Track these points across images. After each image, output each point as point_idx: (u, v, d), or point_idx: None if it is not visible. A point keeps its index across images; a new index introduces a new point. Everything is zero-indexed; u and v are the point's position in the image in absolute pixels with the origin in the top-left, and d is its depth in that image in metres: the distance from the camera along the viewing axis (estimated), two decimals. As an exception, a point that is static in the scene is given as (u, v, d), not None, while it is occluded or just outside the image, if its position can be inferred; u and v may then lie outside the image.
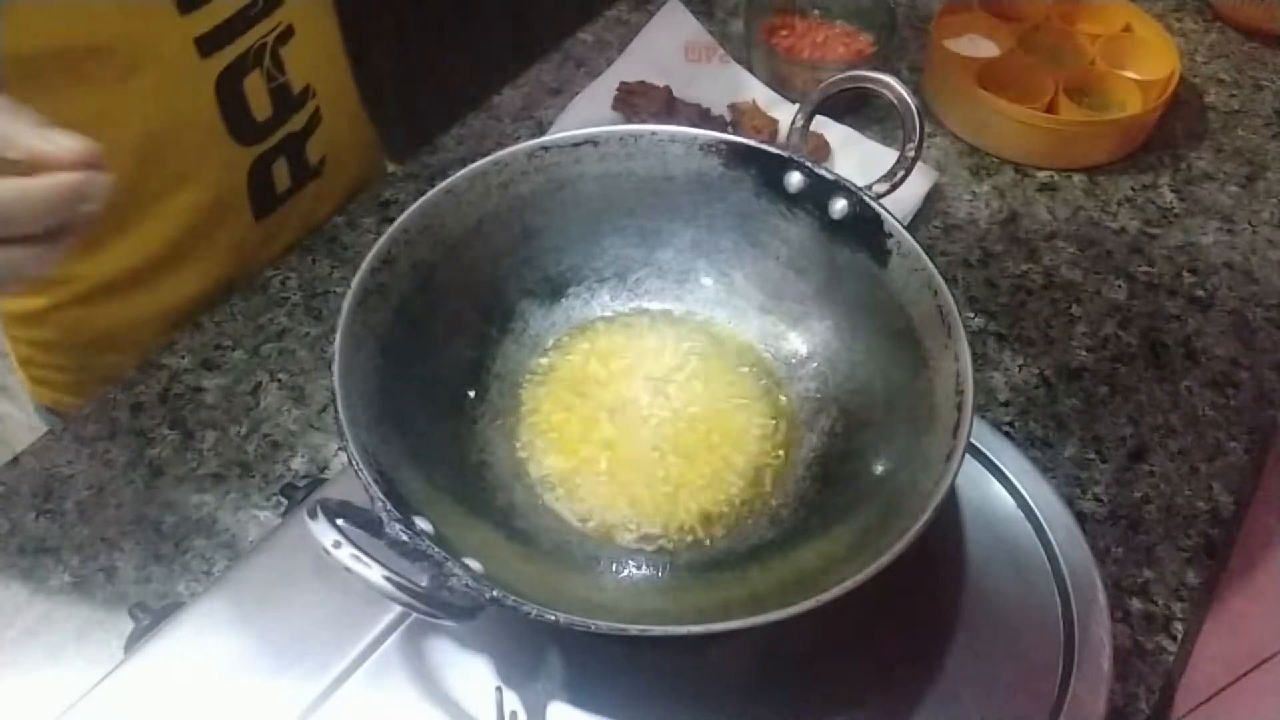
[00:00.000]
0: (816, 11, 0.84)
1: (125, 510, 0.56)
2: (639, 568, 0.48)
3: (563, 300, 0.55)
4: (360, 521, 0.38)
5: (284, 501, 0.56)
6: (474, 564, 0.38)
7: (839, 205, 0.50)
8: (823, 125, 0.76)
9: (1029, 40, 0.83)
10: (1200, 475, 0.60)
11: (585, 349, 0.55)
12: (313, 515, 0.36)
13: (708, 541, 0.49)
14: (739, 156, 0.52)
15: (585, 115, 0.77)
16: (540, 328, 0.55)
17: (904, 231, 0.48)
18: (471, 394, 0.52)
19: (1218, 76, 0.87)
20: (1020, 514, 0.52)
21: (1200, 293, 0.70)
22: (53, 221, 0.33)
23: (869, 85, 0.51)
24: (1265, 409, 0.64)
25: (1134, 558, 0.57)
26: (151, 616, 0.51)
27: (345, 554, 0.35)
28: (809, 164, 0.50)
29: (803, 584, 0.38)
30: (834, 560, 0.41)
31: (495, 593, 0.37)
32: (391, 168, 0.84)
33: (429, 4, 1.45)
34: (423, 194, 0.48)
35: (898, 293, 0.48)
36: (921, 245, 0.47)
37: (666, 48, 0.83)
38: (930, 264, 0.46)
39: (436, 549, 0.38)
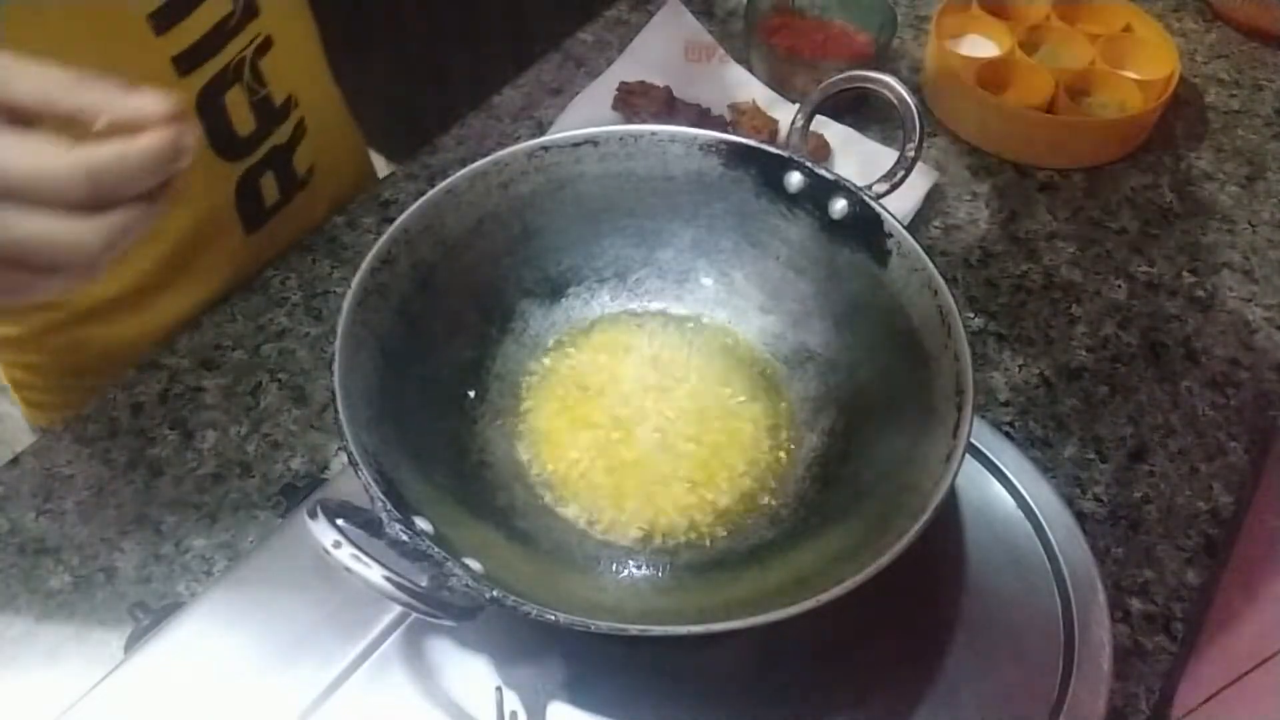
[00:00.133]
0: (816, 11, 0.84)
1: (125, 510, 0.56)
2: (639, 568, 0.48)
3: (563, 300, 0.55)
4: (360, 521, 0.38)
5: (284, 501, 0.56)
6: (474, 564, 0.38)
7: (839, 205, 0.50)
8: (823, 125, 0.76)
9: (1029, 40, 0.83)
10: (1200, 475, 0.60)
11: (585, 349, 0.55)
12: (313, 515, 0.36)
13: (708, 541, 0.49)
14: (739, 156, 0.52)
15: (585, 115, 0.77)
16: (540, 328, 0.55)
17: (904, 231, 0.48)
18: (471, 394, 0.52)
19: (1218, 76, 0.87)
20: (1020, 514, 0.52)
21: (1200, 293, 0.70)
22: (155, 179, 0.34)
23: (869, 85, 0.51)
24: (1265, 409, 0.64)
25: (1134, 558, 0.57)
26: (151, 616, 0.51)
27: (345, 554, 0.35)
28: (809, 164, 0.50)
29: (803, 584, 0.38)
30: (834, 560, 0.41)
31: (495, 593, 0.37)
32: (391, 168, 0.84)
33: (429, 4, 1.45)
34: (423, 194, 0.48)
35: (898, 293, 0.48)
36: (921, 245, 0.47)
37: (666, 48, 0.83)
38: (930, 264, 0.46)
39: (436, 549, 0.38)
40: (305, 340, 0.64)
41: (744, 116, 0.77)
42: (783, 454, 0.52)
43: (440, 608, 0.37)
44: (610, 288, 0.56)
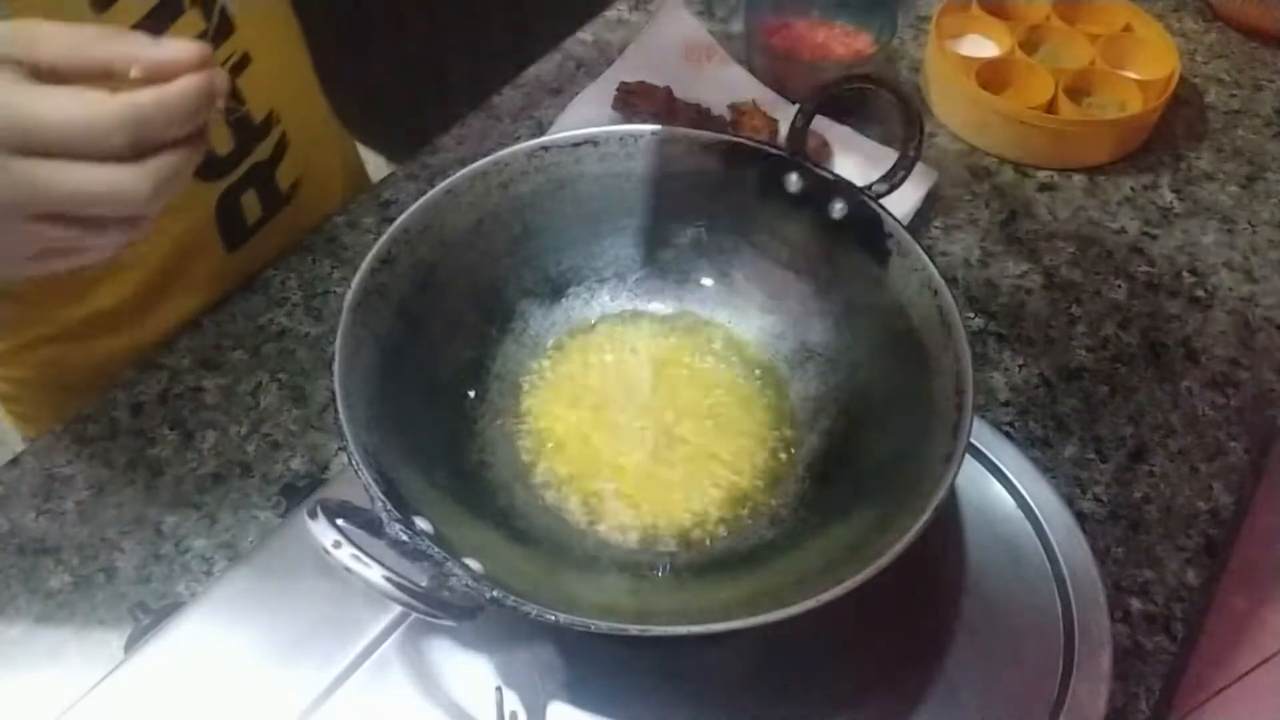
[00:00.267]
0: (816, 11, 0.84)
1: (125, 510, 0.56)
2: (639, 568, 0.48)
3: (563, 300, 0.55)
4: (360, 521, 0.38)
5: (284, 501, 0.56)
6: (474, 564, 0.38)
7: (839, 205, 0.50)
8: (823, 125, 0.76)
9: (1029, 40, 0.83)
10: (1200, 475, 0.60)
11: (585, 349, 0.55)
12: (313, 515, 0.36)
13: (708, 541, 0.49)
14: (739, 156, 0.52)
15: (585, 115, 0.77)
16: (540, 328, 0.55)
17: (904, 231, 0.48)
18: (471, 394, 0.52)
19: (1218, 76, 0.87)
20: (1020, 514, 0.52)
21: (1200, 293, 0.70)
22: (194, 123, 0.34)
23: (869, 85, 0.51)
24: (1265, 409, 0.64)
25: (1134, 558, 0.57)
26: (151, 616, 0.51)
27: (345, 554, 0.35)
28: (809, 164, 0.50)
29: (803, 584, 0.38)
30: (834, 560, 0.41)
31: (495, 593, 0.37)
32: (391, 168, 0.84)
33: (429, 4, 1.45)
34: (423, 194, 0.48)
35: (898, 293, 0.48)
36: (921, 245, 0.47)
37: (666, 48, 0.83)
38: (930, 264, 0.46)
39: (436, 549, 0.38)
40: (305, 340, 0.64)
41: (744, 116, 0.77)
42: (783, 454, 0.52)
43: (440, 608, 0.37)
44: (610, 288, 0.56)
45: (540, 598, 0.37)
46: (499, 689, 0.45)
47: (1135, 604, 0.55)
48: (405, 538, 0.38)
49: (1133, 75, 0.81)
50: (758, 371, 0.54)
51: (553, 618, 0.36)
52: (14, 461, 0.58)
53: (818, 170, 0.50)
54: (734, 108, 0.78)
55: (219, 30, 0.59)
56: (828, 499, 0.48)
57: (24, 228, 0.34)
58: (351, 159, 0.83)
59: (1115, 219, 0.75)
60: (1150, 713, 0.51)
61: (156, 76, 0.33)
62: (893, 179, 0.49)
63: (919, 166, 0.58)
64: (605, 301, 0.56)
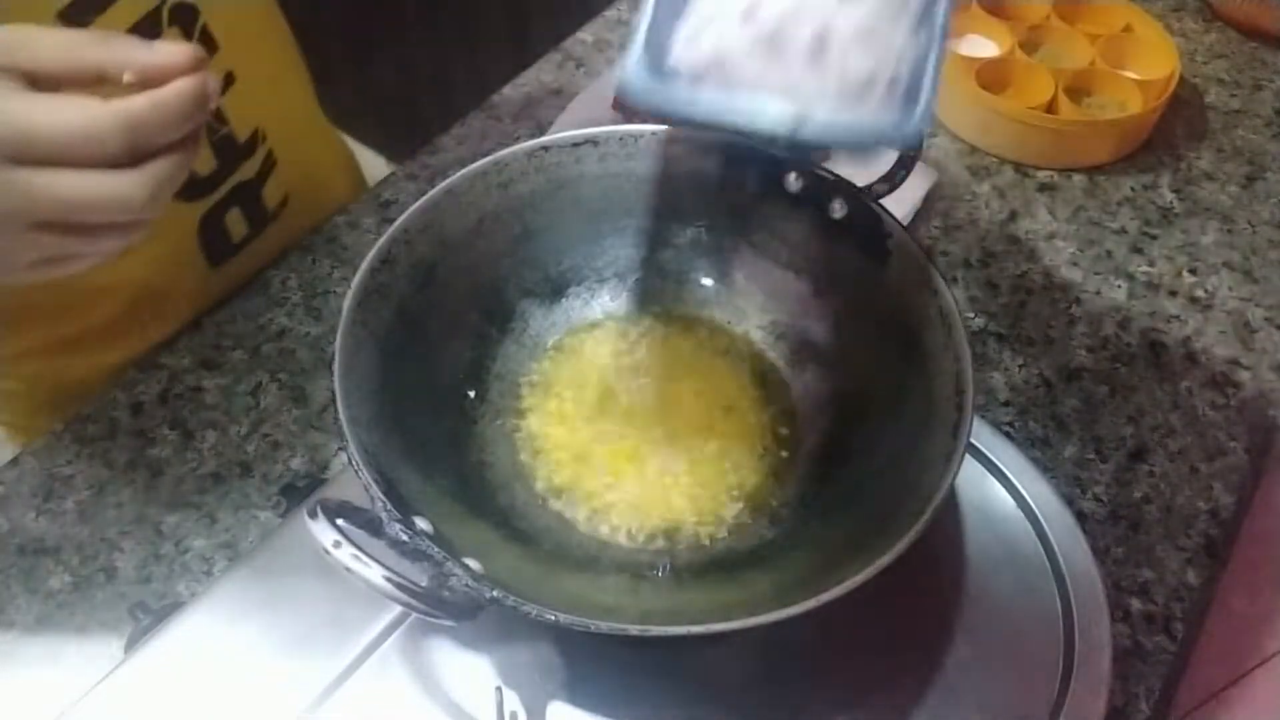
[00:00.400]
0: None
1: (125, 510, 0.56)
2: (639, 568, 0.48)
3: (563, 300, 0.55)
4: (360, 521, 0.38)
5: (284, 501, 0.56)
6: (474, 564, 0.38)
7: (839, 205, 0.50)
8: (823, 125, 0.76)
9: (1029, 40, 0.83)
10: (1200, 475, 0.60)
11: (585, 349, 0.55)
12: (313, 515, 0.36)
13: (708, 541, 0.49)
14: (739, 157, 0.52)
15: (585, 115, 0.77)
16: (540, 328, 0.55)
17: (904, 231, 0.48)
18: (471, 394, 0.52)
19: (1218, 76, 0.87)
20: (1020, 514, 0.52)
21: (1200, 293, 0.70)
22: (188, 126, 0.34)
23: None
24: (1265, 409, 0.64)
25: (1134, 558, 0.57)
26: (151, 616, 0.51)
27: (345, 554, 0.35)
28: (808, 164, 0.50)
29: (803, 584, 0.38)
30: (834, 560, 0.41)
31: (495, 593, 0.37)
32: (391, 168, 0.84)
33: (429, 4, 1.45)
34: (423, 194, 0.48)
35: (898, 293, 0.48)
36: (921, 245, 0.47)
37: (667, 48, 0.83)
38: (930, 264, 0.46)
39: (436, 549, 0.38)
40: (305, 340, 0.64)
41: (744, 116, 0.77)
42: (783, 454, 0.52)
43: (440, 608, 0.37)
44: (610, 288, 0.56)
45: (540, 598, 0.37)
46: (499, 689, 0.45)
47: (1135, 604, 0.55)
48: (405, 538, 0.38)
49: (1133, 75, 0.81)
50: (757, 371, 0.54)
51: (553, 618, 0.36)
52: (14, 461, 0.58)
53: (818, 170, 0.50)
54: (734, 108, 0.78)
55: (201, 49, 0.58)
56: (828, 499, 0.48)
57: (22, 236, 0.34)
58: (349, 169, 0.81)
59: (1115, 219, 0.75)
60: (1150, 713, 0.51)
61: (150, 81, 0.33)
62: (893, 179, 0.49)
63: (919, 166, 0.58)
64: (605, 301, 0.56)
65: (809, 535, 0.47)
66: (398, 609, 0.46)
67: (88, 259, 0.36)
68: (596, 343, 0.55)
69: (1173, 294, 0.70)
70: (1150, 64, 0.82)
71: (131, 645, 0.49)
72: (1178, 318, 0.69)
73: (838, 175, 0.50)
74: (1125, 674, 0.52)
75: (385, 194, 0.74)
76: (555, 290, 0.55)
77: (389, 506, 0.38)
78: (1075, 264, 0.72)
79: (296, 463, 0.58)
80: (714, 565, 0.48)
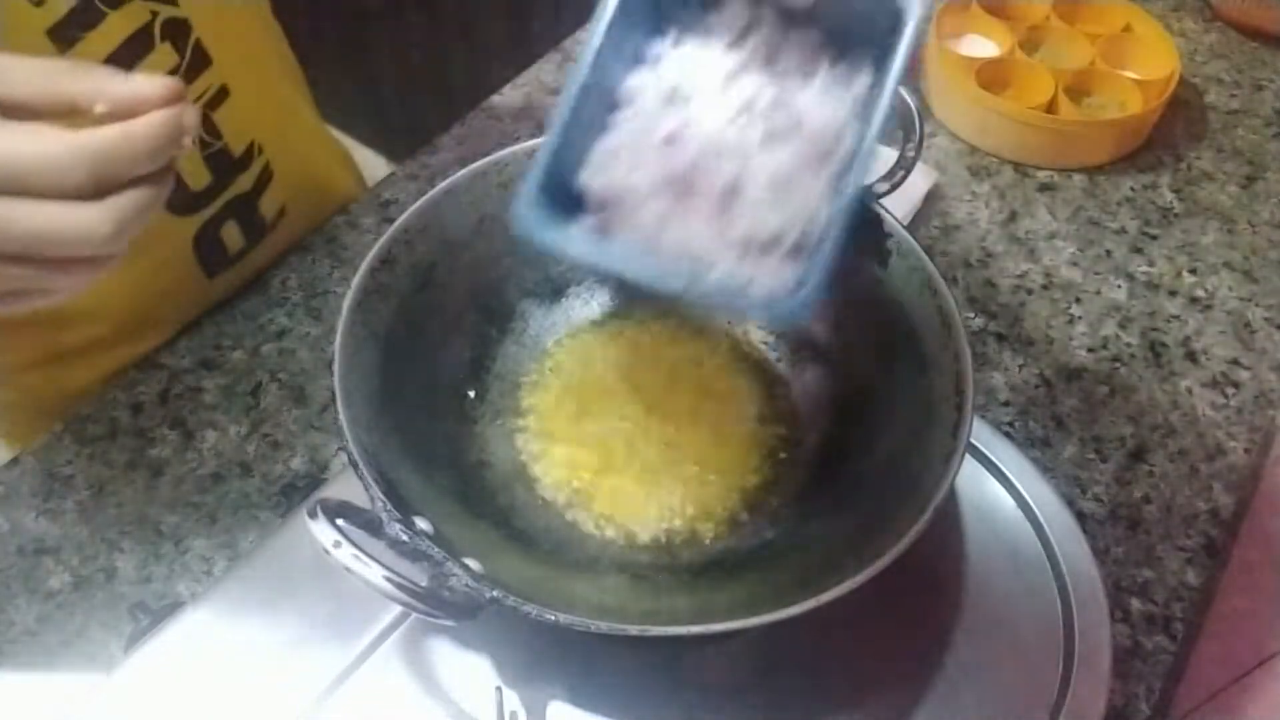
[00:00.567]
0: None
1: (125, 510, 0.56)
2: (639, 568, 0.48)
3: (563, 300, 0.55)
4: (360, 521, 0.38)
5: (284, 501, 0.56)
6: (474, 564, 0.38)
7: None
8: (823, 125, 0.76)
9: (1029, 40, 0.83)
10: (1200, 475, 0.60)
11: (585, 349, 0.55)
12: (313, 515, 0.36)
13: (707, 541, 0.49)
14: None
15: (585, 115, 0.77)
16: (540, 328, 0.55)
17: (904, 231, 0.48)
18: (471, 394, 0.52)
19: (1218, 76, 0.87)
20: (1020, 514, 0.52)
21: (1200, 293, 0.70)
22: (159, 159, 0.33)
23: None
24: (1265, 409, 0.64)
25: (1134, 558, 0.57)
26: (151, 616, 0.51)
27: (345, 554, 0.35)
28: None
29: (803, 584, 0.38)
30: (834, 560, 0.41)
31: (495, 593, 0.37)
32: (391, 168, 0.84)
33: (429, 4, 1.45)
34: (423, 194, 0.48)
35: (898, 293, 0.48)
36: (921, 245, 0.47)
37: (666, 48, 0.83)
38: (930, 264, 0.46)
39: (436, 549, 0.38)
40: (305, 340, 0.64)
41: (744, 116, 0.77)
42: (783, 454, 0.52)
43: (440, 608, 0.37)
44: (611, 288, 0.56)
45: (540, 598, 0.37)
46: (499, 689, 0.45)
47: (1135, 604, 0.55)
48: (405, 538, 0.38)
49: (1133, 75, 0.81)
50: (757, 372, 0.54)
51: (553, 618, 0.36)
52: (14, 461, 0.58)
53: (818, 170, 0.50)
54: (734, 108, 0.78)
55: (194, 64, 0.57)
56: (828, 499, 0.48)
57: None
58: (349, 170, 0.81)
59: (1115, 219, 0.75)
60: (1150, 713, 0.51)
61: (123, 113, 0.32)
62: (893, 179, 0.49)
63: (919, 166, 0.58)
64: (605, 301, 0.56)
65: (809, 535, 0.47)
66: (398, 609, 0.46)
67: (53, 294, 0.35)
68: (596, 343, 0.55)
69: (1173, 294, 0.70)
70: (1150, 64, 0.82)
71: (131, 645, 0.49)
72: (1178, 318, 0.69)
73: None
74: (1125, 674, 0.52)
75: (385, 194, 0.74)
76: (555, 290, 0.55)
77: (389, 506, 0.38)
78: (1075, 264, 0.72)
79: (296, 463, 0.58)
80: (714, 565, 0.48)
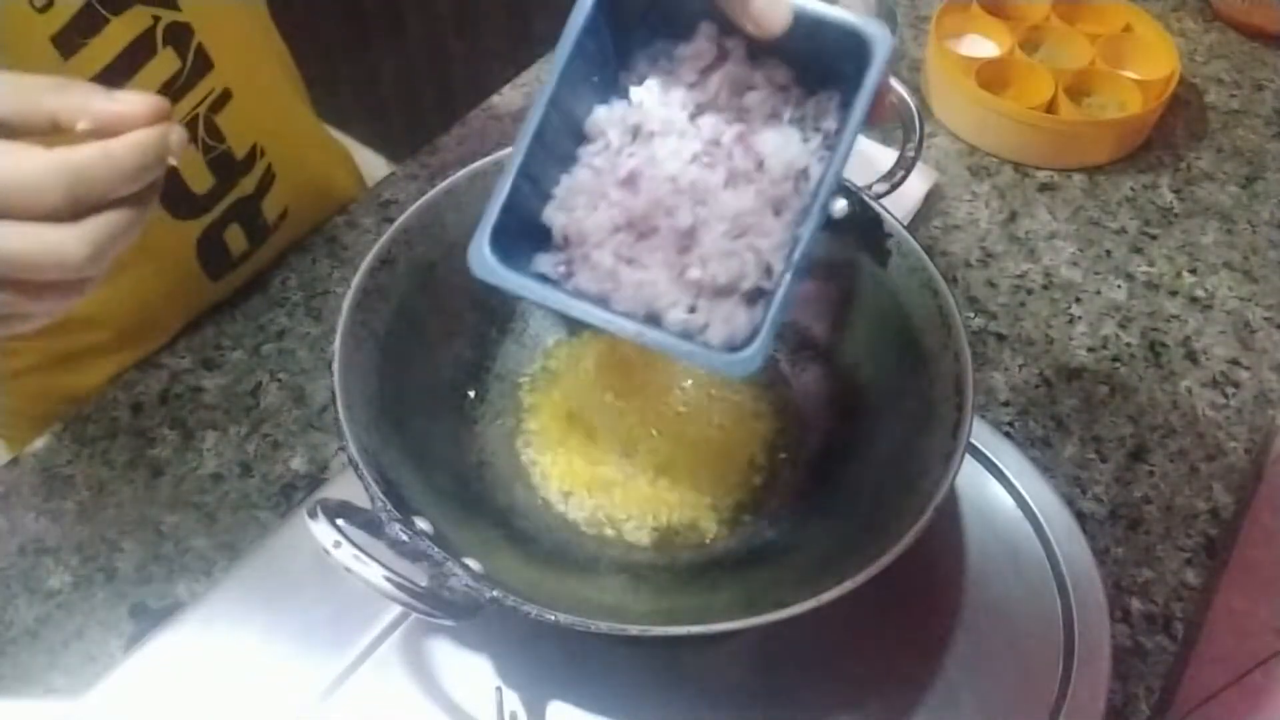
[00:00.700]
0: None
1: (125, 510, 0.56)
2: (639, 568, 0.48)
3: (563, 300, 0.55)
4: (360, 521, 0.38)
5: (284, 501, 0.56)
6: (474, 564, 0.38)
7: (839, 205, 0.49)
8: (823, 125, 0.76)
9: (1029, 40, 0.83)
10: (1200, 475, 0.60)
11: (586, 349, 0.55)
12: (313, 515, 0.36)
13: (707, 541, 0.49)
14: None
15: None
16: (540, 328, 0.55)
17: (904, 231, 0.48)
18: (471, 394, 0.52)
19: (1218, 76, 0.87)
20: (1020, 514, 0.52)
21: (1200, 293, 0.70)
22: (141, 180, 0.31)
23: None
24: (1265, 409, 0.64)
25: (1134, 558, 0.56)
26: (151, 616, 0.51)
27: (345, 554, 0.35)
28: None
29: (803, 584, 0.38)
30: (834, 560, 0.41)
31: (495, 593, 0.37)
32: (391, 168, 0.84)
33: (429, 4, 1.45)
34: (423, 194, 0.48)
35: (898, 293, 0.48)
36: (921, 245, 0.47)
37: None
38: (930, 264, 0.46)
39: (436, 549, 0.38)
40: (305, 340, 0.64)
41: (744, 116, 0.77)
42: (783, 454, 0.52)
43: (440, 608, 0.37)
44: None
45: (540, 598, 0.37)
46: (499, 689, 0.45)
47: (1135, 604, 0.55)
48: (405, 538, 0.38)
49: (1133, 75, 0.81)
50: (758, 371, 0.54)
51: (553, 618, 0.36)
52: (14, 461, 0.58)
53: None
54: (734, 108, 0.78)
55: (195, 68, 0.56)
56: (828, 499, 0.48)
57: None
58: (349, 171, 0.81)
59: (1115, 219, 0.75)
60: (1150, 713, 0.51)
61: (106, 130, 0.31)
62: (893, 179, 0.49)
63: (919, 166, 0.58)
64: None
65: (809, 535, 0.47)
66: (398, 609, 0.46)
67: (28, 320, 0.33)
68: (597, 342, 0.55)
69: (1173, 294, 0.70)
70: (1150, 64, 0.82)
71: (131, 645, 0.49)
72: (1178, 318, 0.69)
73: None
74: (1125, 674, 0.52)
75: (385, 194, 0.74)
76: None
77: (389, 506, 0.38)
78: (1075, 264, 0.72)
79: (296, 463, 0.58)
80: (714, 565, 0.48)
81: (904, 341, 0.47)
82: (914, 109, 0.48)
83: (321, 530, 0.36)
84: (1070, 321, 0.68)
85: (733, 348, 0.36)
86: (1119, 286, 0.70)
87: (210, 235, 0.63)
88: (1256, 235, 0.74)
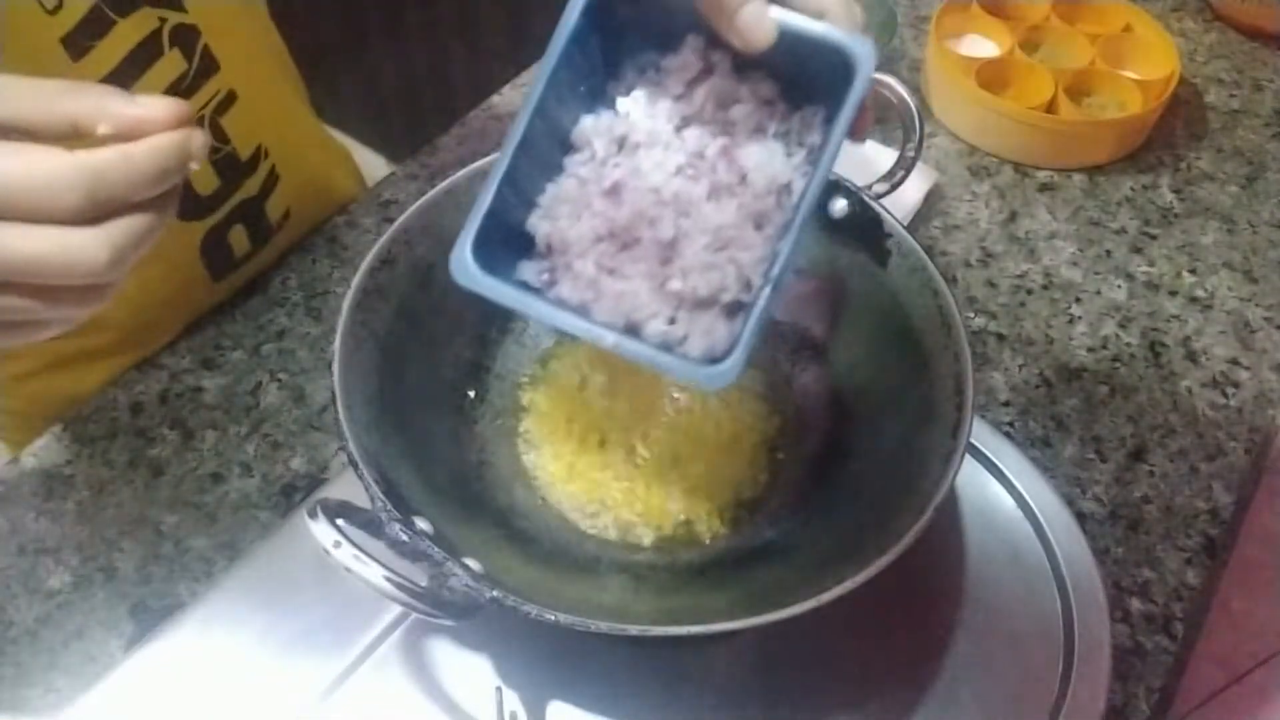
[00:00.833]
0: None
1: (125, 510, 0.56)
2: (639, 568, 0.48)
3: (563, 300, 0.55)
4: (360, 521, 0.38)
5: (284, 501, 0.56)
6: (474, 564, 0.38)
7: (839, 205, 0.50)
8: (823, 125, 0.76)
9: (1029, 40, 0.84)
10: (1200, 475, 0.60)
11: (586, 349, 0.55)
12: (313, 515, 0.36)
13: (707, 541, 0.49)
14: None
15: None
16: (540, 328, 0.55)
17: (904, 231, 0.48)
18: (471, 394, 0.52)
19: (1218, 76, 0.87)
20: (1020, 514, 0.52)
21: (1200, 293, 0.70)
22: (161, 184, 0.31)
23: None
24: (1265, 409, 0.64)
25: (1134, 558, 0.57)
26: (151, 616, 0.51)
27: (345, 554, 0.35)
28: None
29: (803, 584, 0.38)
30: (834, 560, 0.41)
31: (495, 593, 0.37)
32: (391, 168, 0.84)
33: (429, 4, 1.45)
34: (423, 194, 0.48)
35: (898, 293, 0.48)
36: (921, 245, 0.47)
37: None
38: (930, 264, 0.46)
39: (436, 549, 0.38)
40: (305, 340, 0.64)
41: (744, 116, 0.77)
42: (783, 454, 0.52)
43: (440, 607, 0.37)
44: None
45: (540, 598, 0.37)
46: (499, 689, 0.45)
47: (1135, 604, 0.55)
48: (405, 538, 0.38)
49: (1133, 75, 0.81)
50: (758, 372, 0.54)
51: (553, 618, 0.36)
52: (14, 461, 0.58)
53: (818, 170, 0.50)
54: (734, 108, 0.78)
55: (202, 70, 0.57)
56: (828, 499, 0.48)
57: None
58: (349, 171, 0.81)
59: (1115, 219, 0.75)
60: (1150, 713, 0.51)
61: (127, 134, 0.30)
62: (893, 179, 0.49)
63: (919, 166, 0.58)
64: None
65: (809, 535, 0.47)
66: (398, 609, 0.46)
67: (46, 327, 0.32)
68: (596, 343, 0.55)
69: (1173, 294, 0.70)
70: (1150, 64, 0.82)
71: (131, 645, 0.49)
72: (1178, 318, 0.69)
73: (838, 175, 0.50)
74: (1125, 674, 0.52)
75: (385, 194, 0.74)
76: (555, 290, 0.55)
77: (389, 506, 0.38)
78: (1075, 264, 0.72)
79: (296, 463, 0.58)
80: (714, 565, 0.48)
81: (904, 341, 0.47)
82: (914, 109, 0.48)
83: (321, 530, 0.36)
84: (1070, 321, 0.68)
85: (712, 359, 0.36)
86: (1119, 286, 0.70)
87: (215, 236, 0.64)
88: (1256, 235, 0.74)
